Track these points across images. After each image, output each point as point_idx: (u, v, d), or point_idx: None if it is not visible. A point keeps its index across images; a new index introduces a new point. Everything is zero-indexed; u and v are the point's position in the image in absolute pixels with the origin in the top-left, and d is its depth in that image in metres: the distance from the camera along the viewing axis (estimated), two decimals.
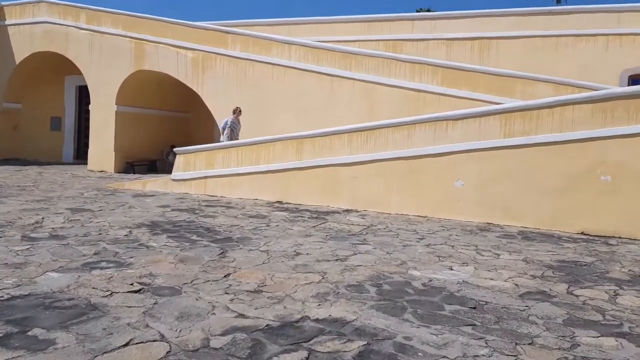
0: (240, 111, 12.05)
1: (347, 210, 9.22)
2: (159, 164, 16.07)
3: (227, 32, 13.62)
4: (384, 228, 7.62)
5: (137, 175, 14.42)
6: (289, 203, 9.83)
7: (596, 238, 7.48)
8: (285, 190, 10.01)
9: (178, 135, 16.69)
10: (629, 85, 12.69)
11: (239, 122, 11.95)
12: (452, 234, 7.32)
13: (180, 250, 5.67)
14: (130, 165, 15.40)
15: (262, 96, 13.14)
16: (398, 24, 15.51)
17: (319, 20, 15.99)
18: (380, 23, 15.65)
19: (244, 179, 10.37)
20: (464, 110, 8.89)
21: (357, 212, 9.14)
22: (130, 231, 6.65)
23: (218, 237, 6.49)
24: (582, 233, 7.80)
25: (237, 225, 7.30)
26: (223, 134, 11.85)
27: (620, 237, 7.54)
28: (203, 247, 5.90)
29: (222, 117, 13.57)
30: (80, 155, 17.85)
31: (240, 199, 10.22)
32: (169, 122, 16.84)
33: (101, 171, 15.32)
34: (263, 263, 5.25)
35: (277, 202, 9.95)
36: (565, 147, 7.97)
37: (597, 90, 8.86)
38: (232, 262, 5.25)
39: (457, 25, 14.96)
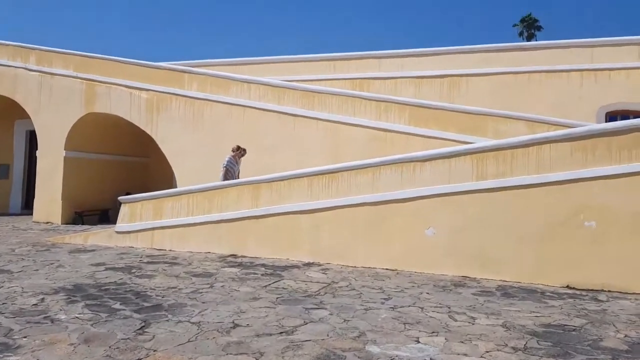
0: (242, 150, 10.85)
1: (308, 264, 8.36)
2: (112, 214, 15.02)
3: (184, 72, 13.01)
4: (347, 286, 6.77)
5: (84, 227, 13.36)
6: (244, 257, 8.94)
7: (583, 292, 6.74)
8: (241, 243, 9.13)
9: (135, 182, 15.75)
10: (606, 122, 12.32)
11: (237, 162, 10.81)
12: (423, 292, 6.50)
13: (92, 325, 4.73)
14: (79, 215, 14.35)
15: (221, 137, 12.44)
16: (365, 62, 15.19)
17: (282, 59, 15.57)
18: (346, 62, 15.32)
19: (195, 230, 9.47)
20: (433, 150, 8.27)
21: (319, 265, 8.28)
22: (42, 299, 5.68)
23: (146, 304, 5.55)
24: (568, 287, 7.08)
25: (175, 288, 6.37)
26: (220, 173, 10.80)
27: (609, 291, 6.83)
28: (122, 319, 4.96)
29: (178, 161, 12.78)
30: (30, 205, 16.68)
31: (191, 252, 9.28)
32: (125, 168, 15.92)
33: (47, 222, 14.21)
34: (188, 341, 4.34)
35: (231, 255, 9.04)
36: (544, 191, 7.37)
37: (574, 127, 8.35)
38: (150, 340, 4.32)
39: (426, 63, 14.69)
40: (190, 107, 12.75)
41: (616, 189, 7.02)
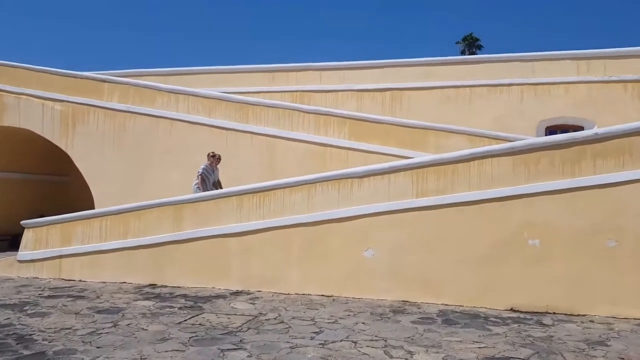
0: (216, 157, 9.88)
1: (236, 293, 7.69)
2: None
3: (104, 81, 12.10)
4: (275, 318, 6.16)
5: None
6: (165, 287, 8.15)
7: (528, 316, 6.44)
8: (161, 271, 8.35)
9: (53, 204, 14.50)
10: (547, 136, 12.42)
11: (213, 170, 9.84)
12: (359, 322, 5.99)
13: None
14: None
15: (145, 153, 11.57)
16: (305, 74, 14.75)
17: (217, 70, 14.87)
18: (285, 73, 14.81)
19: (108, 258, 8.60)
20: (371, 166, 7.90)
21: (248, 294, 7.63)
22: None
23: (26, 352, 4.72)
24: (512, 309, 6.79)
25: (69, 329, 5.54)
26: (193, 184, 9.74)
27: (554, 313, 6.58)
28: None
29: (96, 181, 11.79)
30: None
31: (103, 283, 8.39)
32: (40, 188, 14.66)
33: None
34: None
35: (150, 285, 8.23)
36: (487, 208, 7.11)
37: (515, 141, 8.19)
38: None
39: (368, 76, 14.42)
40: (110, 121, 11.82)
41: (560, 205, 6.86)
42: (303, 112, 11.09)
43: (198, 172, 9.51)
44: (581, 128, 11.84)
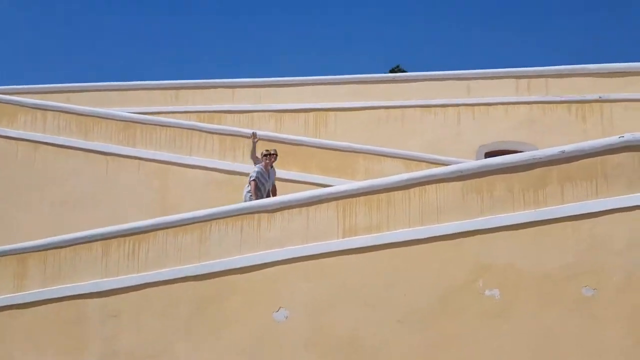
0: (272, 154, 8.23)
1: None
2: None
3: None
4: None
5: None
6: None
7: None
8: None
9: None
10: None
11: (270, 174, 8.27)
12: None
13: None
14: None
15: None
16: (215, 92, 13.95)
17: (106, 86, 13.71)
18: (191, 91, 13.91)
19: None
20: (284, 196, 6.94)
21: None
22: None
23: None
24: None
25: None
26: (245, 189, 8.27)
27: None
28: None
29: None
30: None
31: None
32: None
33: None
34: None
35: None
36: (432, 249, 6.15)
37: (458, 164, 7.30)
38: None
39: (288, 94, 13.87)
40: None
41: (523, 244, 5.98)
42: (205, 132, 10.17)
43: (250, 177, 8.13)
44: None
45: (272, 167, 8.27)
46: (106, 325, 6.60)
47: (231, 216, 6.61)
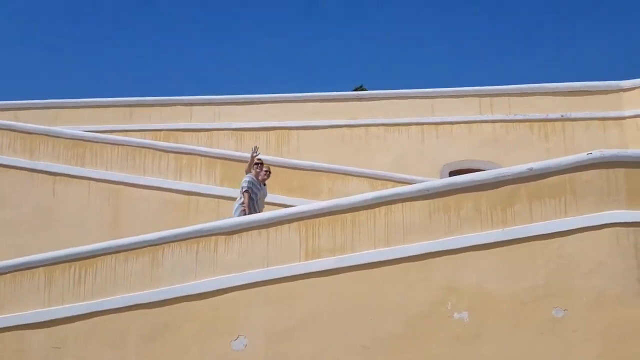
0: (262, 165, 7.72)
1: None
2: None
3: None
4: None
5: None
6: None
7: None
8: None
9: None
10: None
11: (260, 185, 7.68)
12: None
13: None
14: None
15: None
16: (172, 110, 13.49)
17: (57, 104, 13.09)
18: (147, 108, 13.40)
19: None
20: (243, 217, 6.55)
21: None
22: None
23: None
24: None
25: None
26: (236, 202, 7.66)
27: None
28: None
29: None
30: None
31: None
32: None
33: None
34: None
35: None
36: (398, 270, 5.88)
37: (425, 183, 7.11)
38: None
39: (249, 112, 13.55)
40: None
41: (491, 264, 5.77)
42: (159, 150, 9.71)
43: (242, 187, 7.54)
44: None
45: (264, 184, 7.83)
46: (50, 357, 6.12)
47: (186, 239, 6.20)
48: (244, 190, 7.42)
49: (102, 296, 6.19)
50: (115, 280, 6.18)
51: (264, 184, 7.77)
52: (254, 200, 7.42)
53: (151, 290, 6.12)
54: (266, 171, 7.72)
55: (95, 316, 6.13)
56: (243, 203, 7.35)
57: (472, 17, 33.11)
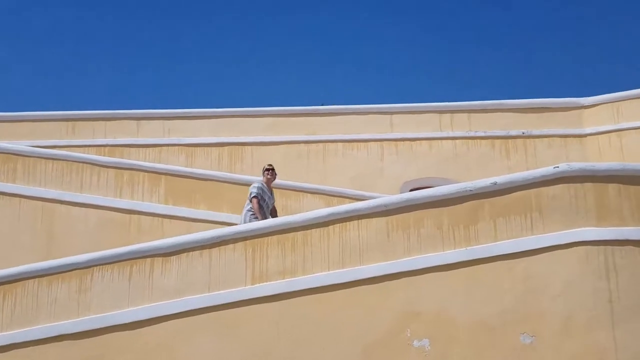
0: (273, 172, 7.76)
1: None
2: None
3: None
4: None
5: None
6: None
7: None
8: None
9: None
10: None
11: (269, 191, 7.71)
12: None
13: None
14: None
15: None
16: (118, 124, 12.99)
17: None
18: (90, 122, 12.87)
19: None
20: (182, 237, 6.01)
21: None
22: None
23: None
24: None
25: None
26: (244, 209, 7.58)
27: None
28: None
29: None
30: None
31: None
32: None
33: None
34: None
35: None
36: (353, 294, 5.50)
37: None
38: None
39: (201, 128, 13.16)
40: None
41: (454, 287, 5.41)
42: (98, 165, 9.21)
43: (250, 194, 7.50)
44: None
45: (270, 185, 7.85)
46: None
47: (118, 261, 5.67)
48: (252, 196, 7.37)
49: (21, 326, 5.60)
50: (37, 307, 5.60)
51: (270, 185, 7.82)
52: (263, 207, 7.41)
53: (78, 319, 5.56)
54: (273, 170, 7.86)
55: (14, 349, 5.55)
56: (251, 209, 7.34)
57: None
